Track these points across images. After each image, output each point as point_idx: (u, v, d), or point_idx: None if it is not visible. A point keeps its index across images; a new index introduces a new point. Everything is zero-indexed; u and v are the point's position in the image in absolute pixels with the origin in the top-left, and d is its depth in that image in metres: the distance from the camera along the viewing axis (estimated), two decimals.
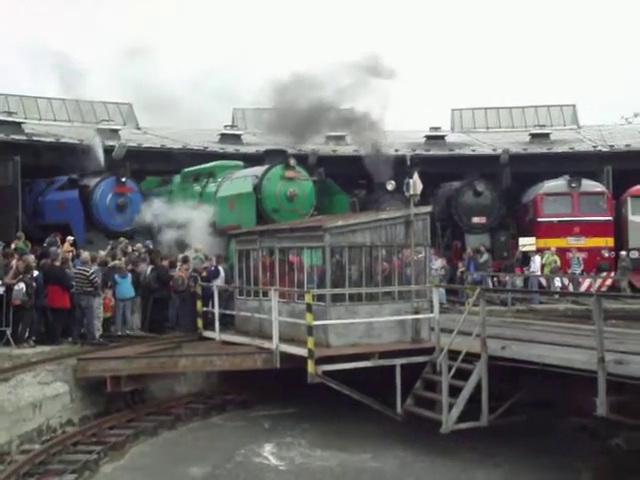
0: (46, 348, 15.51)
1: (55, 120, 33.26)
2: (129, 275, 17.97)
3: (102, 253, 18.87)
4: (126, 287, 17.88)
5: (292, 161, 21.35)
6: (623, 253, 26.49)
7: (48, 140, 28.51)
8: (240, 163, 24.77)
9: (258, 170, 21.67)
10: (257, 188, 20.82)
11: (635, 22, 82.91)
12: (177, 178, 25.62)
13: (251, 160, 24.90)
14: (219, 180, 23.06)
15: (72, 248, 19.70)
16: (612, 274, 26.37)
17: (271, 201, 20.85)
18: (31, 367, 13.77)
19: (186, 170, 25.26)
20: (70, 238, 20.54)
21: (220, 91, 26.07)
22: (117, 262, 18.33)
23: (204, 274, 18.76)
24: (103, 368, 14.14)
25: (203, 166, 24.87)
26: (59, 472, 11.13)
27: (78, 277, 16.45)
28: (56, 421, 13.07)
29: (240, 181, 21.89)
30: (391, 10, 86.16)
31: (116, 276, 17.69)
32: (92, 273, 16.48)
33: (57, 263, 16.78)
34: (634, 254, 26.58)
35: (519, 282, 25.52)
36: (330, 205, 22.19)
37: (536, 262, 25.47)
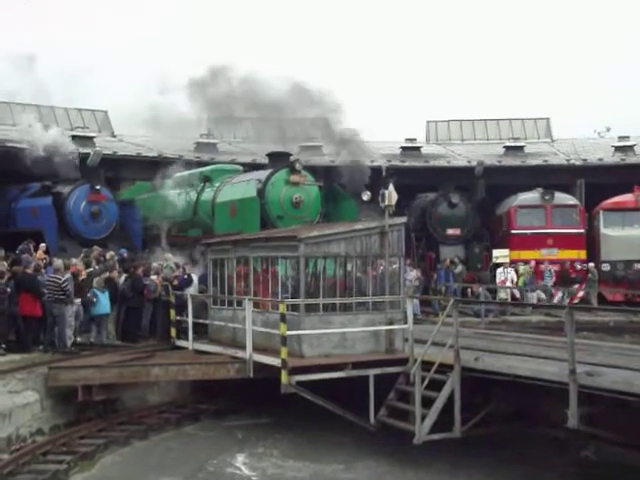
0: (16, 356, 15.33)
1: (29, 126, 32.94)
2: (107, 291, 17.82)
3: (75, 261, 18.70)
4: (104, 303, 17.75)
5: (298, 165, 20.08)
6: (591, 265, 26.73)
7: (22, 146, 28.22)
8: (239, 167, 24.03)
9: (261, 174, 20.62)
10: (260, 193, 19.71)
11: (607, 38, 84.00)
12: (170, 182, 24.88)
13: None
14: (217, 185, 22.11)
15: (45, 256, 19.51)
16: (583, 286, 26.61)
17: (275, 207, 19.77)
18: (1, 375, 13.60)
19: (179, 174, 24.65)
20: (43, 245, 20.35)
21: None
22: (91, 270, 18.22)
23: (175, 282, 18.64)
24: (74, 377, 14.01)
25: (199, 170, 24.26)
26: None
27: (50, 285, 16.29)
28: (26, 430, 12.89)
29: (242, 185, 20.81)
30: (367, 22, 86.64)
31: (97, 291, 17.55)
32: (64, 281, 16.32)
33: (29, 270, 16.61)
34: (606, 267, 26.86)
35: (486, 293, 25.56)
36: (337, 211, 20.84)
37: (511, 274, 25.58)
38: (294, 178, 19.89)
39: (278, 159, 20.96)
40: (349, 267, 14.92)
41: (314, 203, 20.22)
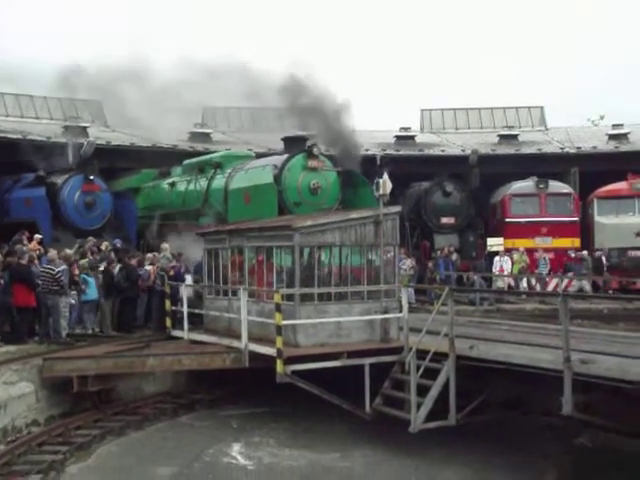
0: (12, 348, 15.29)
1: (22, 117, 32.87)
2: (93, 277, 17.85)
3: (69, 251, 18.66)
4: (92, 289, 17.79)
5: (316, 149, 18.98)
6: (585, 253, 26.78)
7: (15, 137, 28.16)
8: (251, 153, 23.40)
9: (277, 159, 19.68)
10: (277, 179, 18.80)
11: (602, 27, 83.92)
12: (178, 170, 24.51)
13: None
14: (228, 171, 21.34)
15: (40, 246, 19.47)
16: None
17: (292, 194, 18.76)
18: None
19: (188, 161, 24.24)
20: (38, 236, 20.30)
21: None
22: (83, 261, 18.21)
23: (171, 273, 18.63)
24: (69, 368, 14.01)
25: (209, 156, 23.72)
26: (24, 473, 11.01)
27: (44, 276, 16.26)
28: (21, 421, 12.91)
29: (258, 171, 19.95)
30: (362, 11, 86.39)
31: (86, 276, 17.56)
32: (58, 272, 16.29)
33: (23, 261, 16.57)
34: (599, 254, 26.90)
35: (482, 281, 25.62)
36: (355, 198, 19.51)
37: (508, 263, 25.62)
38: (312, 163, 18.96)
39: (294, 144, 19.85)
40: (344, 256, 14.92)
41: (332, 189, 19.23)
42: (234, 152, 23.83)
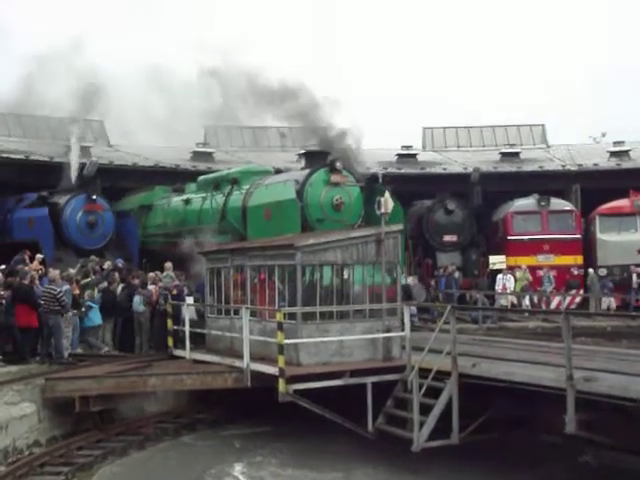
0: (13, 368, 15.25)
1: (24, 136, 33.00)
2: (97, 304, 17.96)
3: (72, 271, 18.69)
4: (95, 314, 17.84)
5: (338, 164, 18.47)
6: (591, 271, 26.78)
7: (18, 157, 28.28)
8: (269, 168, 22.88)
9: (298, 174, 19.22)
10: (299, 195, 18.29)
11: (602, 46, 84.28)
12: (192, 186, 24.08)
13: None
14: (246, 187, 20.64)
15: (41, 266, 19.49)
16: (581, 291, 26.65)
17: (315, 210, 18.26)
18: None
19: (203, 177, 23.87)
20: (39, 256, 20.33)
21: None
22: (86, 280, 18.26)
23: (174, 292, 18.61)
24: (71, 388, 13.99)
25: (226, 172, 23.29)
26: None
27: (45, 295, 16.26)
28: (23, 442, 12.88)
29: (279, 187, 19.28)
30: (363, 28, 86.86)
31: (91, 303, 17.65)
32: (59, 292, 16.30)
33: (25, 281, 16.59)
34: (602, 272, 26.88)
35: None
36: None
37: (511, 281, 25.60)
38: (335, 178, 18.43)
39: (315, 158, 19.34)
40: (345, 275, 14.91)
41: (355, 205, 18.69)
42: (252, 167, 23.31)
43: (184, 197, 23.95)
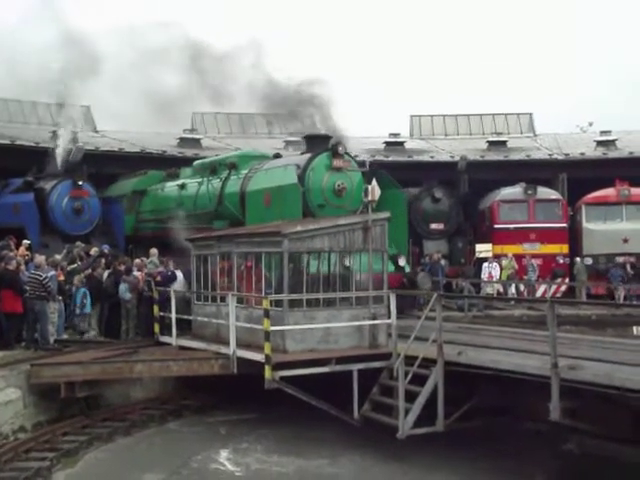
0: None
1: (10, 121, 32.80)
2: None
3: (58, 257, 18.62)
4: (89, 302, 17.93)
5: (341, 148, 18.04)
6: (578, 260, 26.90)
7: (3, 142, 28.10)
8: (268, 153, 22.33)
9: (299, 159, 18.77)
10: (300, 180, 17.88)
11: (589, 35, 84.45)
12: (187, 171, 23.71)
13: None
14: (244, 172, 20.17)
15: (28, 252, 19.40)
16: (566, 280, 26.79)
17: (317, 195, 17.95)
18: None
19: (199, 162, 23.48)
20: (26, 242, 20.23)
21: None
22: (75, 266, 18.21)
23: (158, 278, 18.53)
24: (57, 374, 13.96)
25: (223, 156, 22.92)
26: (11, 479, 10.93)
27: (31, 281, 16.19)
28: (8, 428, 12.84)
29: (279, 171, 18.85)
30: (351, 16, 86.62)
31: (83, 290, 17.71)
32: (45, 277, 16.23)
33: (11, 267, 16.50)
34: (588, 261, 27.01)
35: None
36: (382, 201, 17.80)
37: (496, 269, 25.65)
38: (337, 163, 18.04)
39: (317, 142, 18.78)
40: (332, 262, 14.92)
41: (357, 191, 17.98)
42: (250, 152, 22.87)
43: (179, 182, 23.60)
